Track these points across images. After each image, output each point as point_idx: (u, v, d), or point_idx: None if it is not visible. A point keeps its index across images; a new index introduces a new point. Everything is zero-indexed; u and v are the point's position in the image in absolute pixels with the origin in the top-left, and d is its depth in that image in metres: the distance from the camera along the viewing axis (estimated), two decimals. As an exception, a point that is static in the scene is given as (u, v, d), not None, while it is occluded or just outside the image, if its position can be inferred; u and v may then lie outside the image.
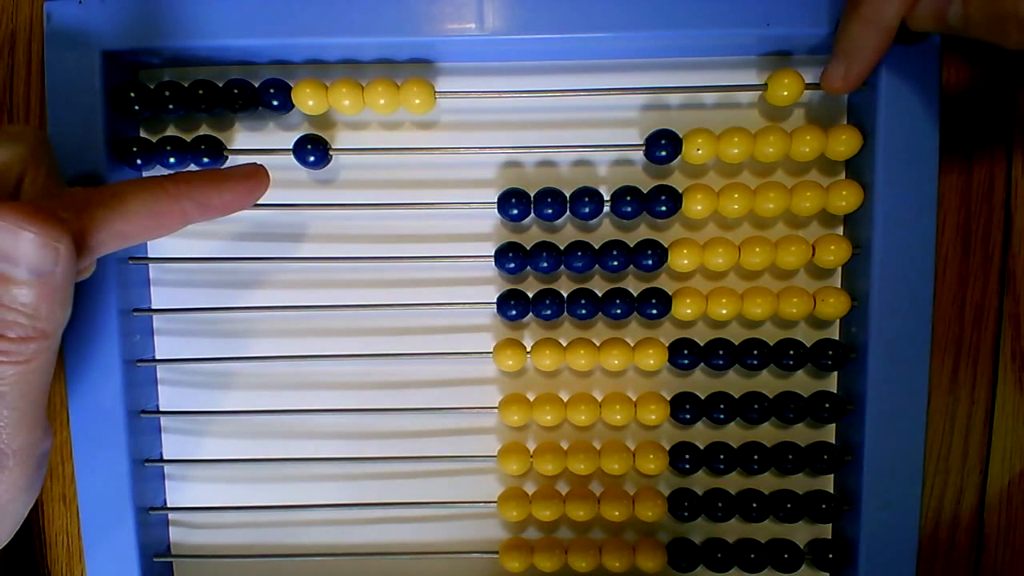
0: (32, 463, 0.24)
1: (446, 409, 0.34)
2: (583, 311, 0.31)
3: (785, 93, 0.30)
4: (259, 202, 0.32)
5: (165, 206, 0.25)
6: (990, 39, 0.23)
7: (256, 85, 0.31)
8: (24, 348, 0.22)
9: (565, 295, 0.32)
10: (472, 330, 0.34)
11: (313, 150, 0.31)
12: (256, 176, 0.28)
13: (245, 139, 0.33)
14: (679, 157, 0.31)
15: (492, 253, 0.32)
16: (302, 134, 0.31)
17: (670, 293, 0.32)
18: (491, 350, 0.32)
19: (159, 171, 0.31)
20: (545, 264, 0.31)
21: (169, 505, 0.35)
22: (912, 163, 0.29)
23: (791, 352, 0.32)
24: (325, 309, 0.33)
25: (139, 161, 0.31)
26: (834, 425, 0.33)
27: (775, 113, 0.32)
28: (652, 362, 0.32)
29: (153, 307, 0.33)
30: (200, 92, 0.30)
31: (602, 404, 0.33)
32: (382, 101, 0.30)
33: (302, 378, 0.34)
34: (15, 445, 0.23)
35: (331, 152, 0.31)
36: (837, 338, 0.33)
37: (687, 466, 0.32)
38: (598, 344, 0.32)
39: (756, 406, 0.32)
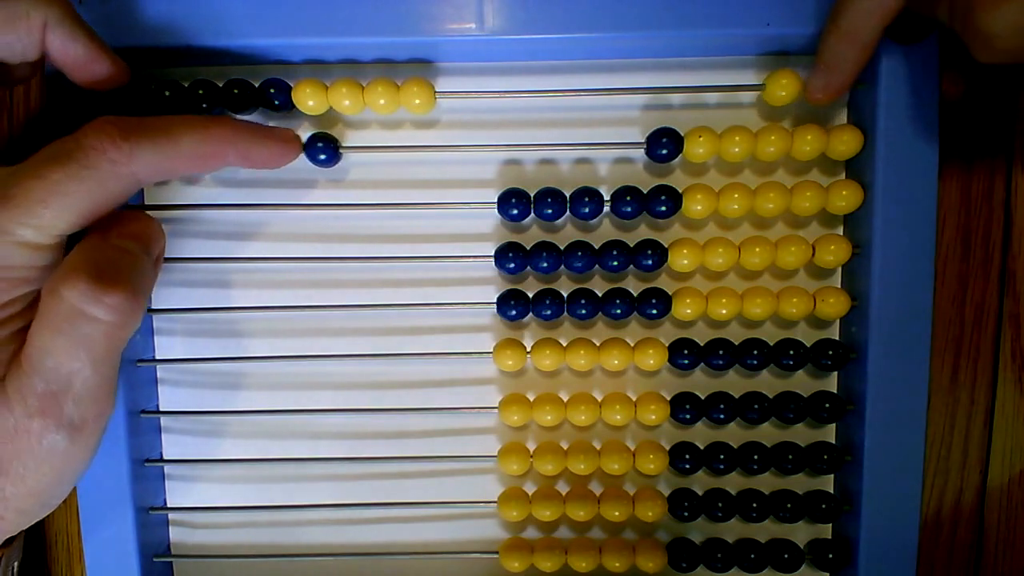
0: (101, 430, 0.25)
1: (446, 409, 0.34)
2: (583, 311, 0.31)
3: (783, 93, 0.30)
4: (258, 202, 0.33)
5: (211, 148, 0.26)
6: (967, 46, 0.23)
7: (256, 85, 0.31)
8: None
9: (565, 295, 0.32)
10: (472, 330, 0.34)
11: (324, 148, 0.31)
12: (292, 144, 0.30)
13: (245, 139, 0.33)
14: (680, 156, 0.31)
15: (492, 253, 0.32)
16: (312, 132, 0.31)
17: (670, 293, 0.32)
18: (491, 350, 0.32)
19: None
20: (545, 264, 0.31)
21: (169, 505, 0.35)
22: (912, 163, 0.29)
23: (791, 352, 0.32)
24: (325, 309, 0.33)
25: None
26: (834, 425, 0.33)
27: (775, 113, 0.32)
28: (652, 362, 0.32)
29: (153, 307, 0.33)
30: (200, 92, 0.30)
31: (602, 404, 0.33)
32: (382, 101, 0.30)
33: (302, 378, 0.34)
34: (93, 413, 0.24)
35: (341, 150, 0.31)
36: (837, 338, 0.33)
37: (687, 466, 0.32)
38: (598, 344, 0.32)
39: (756, 406, 0.32)
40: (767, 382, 0.33)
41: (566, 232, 0.33)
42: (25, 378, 0.22)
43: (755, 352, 0.32)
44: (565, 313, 0.32)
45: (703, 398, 0.32)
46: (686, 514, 0.32)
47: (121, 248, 0.24)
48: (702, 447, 0.33)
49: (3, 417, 0.22)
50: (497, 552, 0.33)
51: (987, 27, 0.21)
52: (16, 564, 0.30)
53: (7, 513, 0.24)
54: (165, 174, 0.25)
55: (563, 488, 0.34)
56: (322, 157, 0.31)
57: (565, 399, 0.33)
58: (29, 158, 0.23)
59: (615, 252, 0.31)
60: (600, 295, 0.32)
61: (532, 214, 0.31)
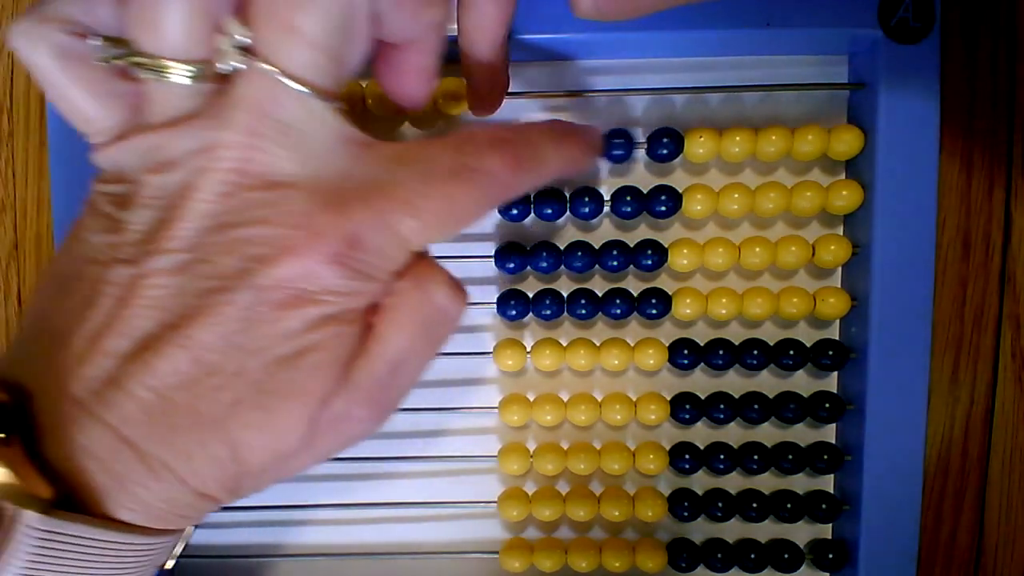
0: None
1: (446, 409, 0.34)
2: (583, 311, 0.31)
3: (454, 112, 0.30)
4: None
5: (564, 166, 0.23)
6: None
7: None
8: None
9: (565, 295, 0.32)
10: (472, 330, 0.34)
11: (624, 144, 0.30)
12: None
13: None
14: (680, 156, 0.31)
15: (492, 253, 0.32)
16: (613, 127, 0.31)
17: (670, 293, 0.32)
18: (491, 350, 0.32)
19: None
20: (545, 264, 0.31)
21: (169, 505, 0.35)
22: (912, 163, 0.29)
23: (791, 352, 0.32)
24: (325, 309, 0.33)
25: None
26: (834, 425, 0.33)
27: (777, 112, 0.32)
28: (652, 362, 0.32)
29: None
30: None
31: (602, 404, 0.33)
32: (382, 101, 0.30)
33: (302, 378, 0.34)
34: (400, 402, 0.23)
35: (636, 147, 0.31)
36: (837, 338, 0.33)
37: (687, 466, 0.32)
38: (598, 344, 0.32)
39: (756, 406, 0.32)
40: (767, 382, 0.33)
41: (566, 232, 0.33)
42: (370, 368, 0.22)
43: (755, 352, 0.32)
44: (565, 313, 0.32)
45: (703, 398, 0.32)
46: (686, 514, 0.32)
47: None
48: (702, 447, 0.33)
49: (336, 399, 0.22)
50: (497, 552, 0.33)
51: None
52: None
53: (265, 484, 0.23)
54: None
55: (563, 488, 0.34)
56: (619, 153, 0.30)
57: (565, 399, 0.33)
58: (412, 153, 0.21)
59: (615, 252, 0.31)
60: (600, 295, 0.32)
61: (532, 214, 0.31)
